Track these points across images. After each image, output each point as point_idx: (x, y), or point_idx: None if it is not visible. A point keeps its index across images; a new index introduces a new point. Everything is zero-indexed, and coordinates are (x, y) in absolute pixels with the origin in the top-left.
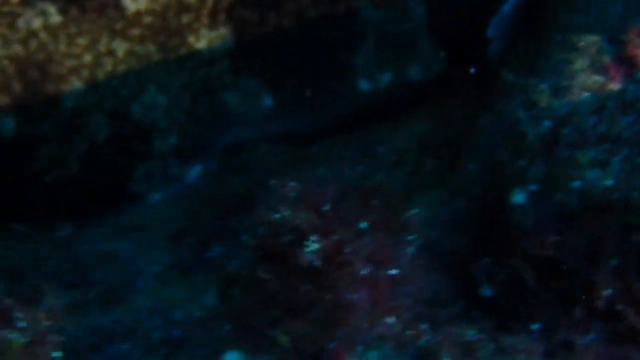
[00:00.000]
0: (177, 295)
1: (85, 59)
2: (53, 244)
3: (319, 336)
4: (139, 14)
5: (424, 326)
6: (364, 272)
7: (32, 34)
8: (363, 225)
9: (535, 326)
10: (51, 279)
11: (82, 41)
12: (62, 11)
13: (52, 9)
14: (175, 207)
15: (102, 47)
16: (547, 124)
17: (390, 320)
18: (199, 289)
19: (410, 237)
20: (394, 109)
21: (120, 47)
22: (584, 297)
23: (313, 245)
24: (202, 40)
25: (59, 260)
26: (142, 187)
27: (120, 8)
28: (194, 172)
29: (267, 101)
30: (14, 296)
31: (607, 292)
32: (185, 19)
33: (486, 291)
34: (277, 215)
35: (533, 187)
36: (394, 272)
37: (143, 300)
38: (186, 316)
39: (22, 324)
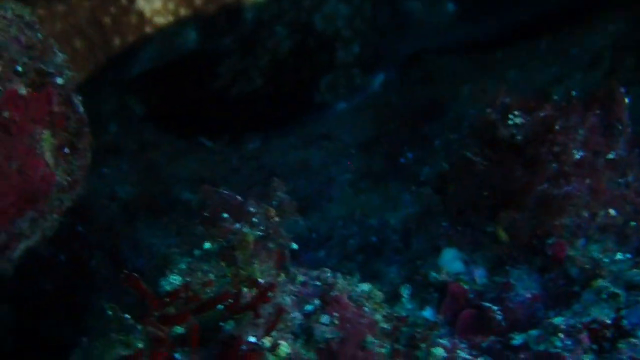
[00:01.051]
0: (372, 202)
1: None
2: (242, 156)
3: (538, 229)
4: None
5: None
6: (579, 156)
7: None
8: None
9: None
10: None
11: None
12: None
13: None
14: (362, 116)
15: None
16: None
17: (612, 211)
18: (394, 195)
19: (620, 127)
20: (583, 10)
21: None
22: None
23: (516, 119)
24: None
25: (250, 171)
26: (328, 97)
27: None
28: (377, 81)
29: (450, 7)
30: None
31: None
32: None
33: None
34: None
35: None
36: (611, 156)
37: (337, 208)
38: (383, 223)
39: (254, 219)
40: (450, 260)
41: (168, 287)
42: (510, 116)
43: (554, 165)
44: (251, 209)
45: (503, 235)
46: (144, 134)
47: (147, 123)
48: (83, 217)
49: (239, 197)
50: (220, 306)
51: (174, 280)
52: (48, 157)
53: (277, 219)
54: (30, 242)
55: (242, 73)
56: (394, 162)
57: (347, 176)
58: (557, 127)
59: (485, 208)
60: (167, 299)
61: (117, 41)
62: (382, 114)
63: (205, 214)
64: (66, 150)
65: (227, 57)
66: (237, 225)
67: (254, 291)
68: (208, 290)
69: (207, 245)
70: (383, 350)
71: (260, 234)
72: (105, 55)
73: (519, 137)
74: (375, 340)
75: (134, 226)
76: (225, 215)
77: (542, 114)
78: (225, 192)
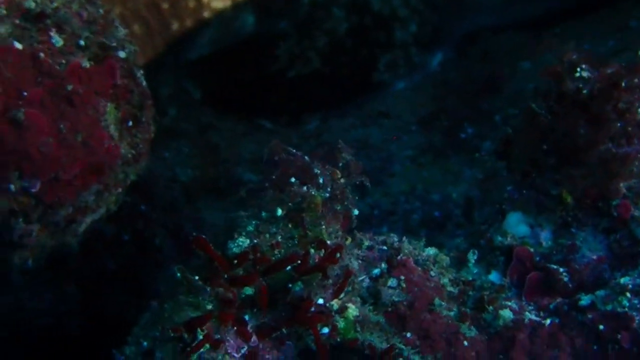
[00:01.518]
0: (433, 177)
1: None
2: (302, 135)
3: (602, 189)
4: None
5: None
6: None
7: None
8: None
9: None
10: None
11: None
12: None
13: None
14: (421, 94)
15: None
16: None
17: None
18: (456, 169)
19: None
20: None
21: None
22: None
23: (583, 72)
24: None
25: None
26: (386, 77)
27: None
28: (436, 60)
29: None
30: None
31: None
32: None
33: None
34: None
35: None
36: None
37: (399, 183)
38: (445, 197)
39: (320, 180)
40: (516, 224)
41: (236, 250)
42: (578, 69)
43: (618, 123)
44: (317, 171)
45: (568, 197)
46: (203, 117)
47: (206, 106)
48: (146, 197)
49: (306, 158)
50: (288, 267)
51: (242, 242)
52: (112, 129)
53: (343, 180)
54: (96, 216)
55: (300, 55)
56: (454, 137)
57: (408, 152)
58: (623, 84)
59: (550, 168)
60: (236, 261)
61: (175, 26)
62: (440, 92)
63: (273, 177)
64: (130, 123)
65: (285, 39)
66: (305, 188)
67: (322, 252)
68: (276, 252)
69: (278, 210)
70: (451, 313)
71: (327, 195)
72: (164, 40)
73: (585, 91)
74: (443, 303)
75: (196, 207)
76: (293, 179)
77: (609, 70)
78: (292, 150)
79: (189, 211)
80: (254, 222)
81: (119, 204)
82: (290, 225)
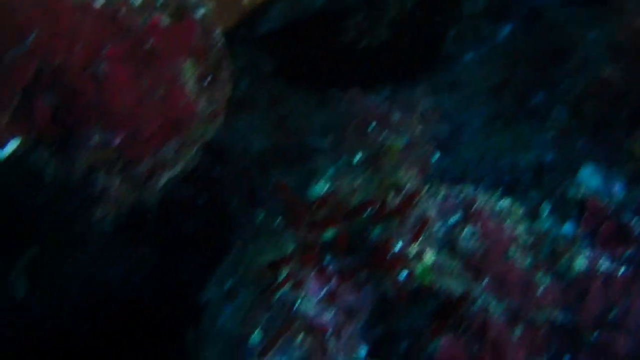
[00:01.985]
0: (503, 143)
1: None
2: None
3: None
4: None
5: None
6: None
7: None
8: None
9: None
10: None
11: None
12: None
13: None
14: (489, 65)
15: None
16: None
17: None
18: (525, 136)
19: None
20: None
21: None
22: None
23: None
24: None
25: None
26: (455, 48)
27: None
28: (504, 32)
29: None
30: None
31: None
32: None
33: None
34: None
35: None
36: None
37: (470, 150)
38: (515, 163)
39: (398, 127)
40: (588, 177)
41: (316, 194)
42: None
43: None
44: (396, 117)
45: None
46: (274, 89)
47: (277, 78)
48: (220, 163)
49: (384, 105)
50: (367, 212)
51: (322, 187)
52: (190, 86)
53: (420, 127)
54: (173, 172)
55: (369, 27)
56: (523, 104)
57: (478, 120)
58: None
59: (622, 124)
60: (316, 205)
61: (246, 0)
62: (509, 61)
63: (353, 123)
64: (207, 80)
65: (354, 12)
66: (383, 134)
67: (400, 198)
68: (355, 197)
69: (357, 155)
70: (525, 262)
71: (406, 141)
72: (235, 14)
73: None
74: (517, 252)
75: (269, 174)
76: (372, 124)
77: None
78: (371, 97)
79: (263, 178)
80: (333, 168)
81: (196, 162)
82: (369, 171)
